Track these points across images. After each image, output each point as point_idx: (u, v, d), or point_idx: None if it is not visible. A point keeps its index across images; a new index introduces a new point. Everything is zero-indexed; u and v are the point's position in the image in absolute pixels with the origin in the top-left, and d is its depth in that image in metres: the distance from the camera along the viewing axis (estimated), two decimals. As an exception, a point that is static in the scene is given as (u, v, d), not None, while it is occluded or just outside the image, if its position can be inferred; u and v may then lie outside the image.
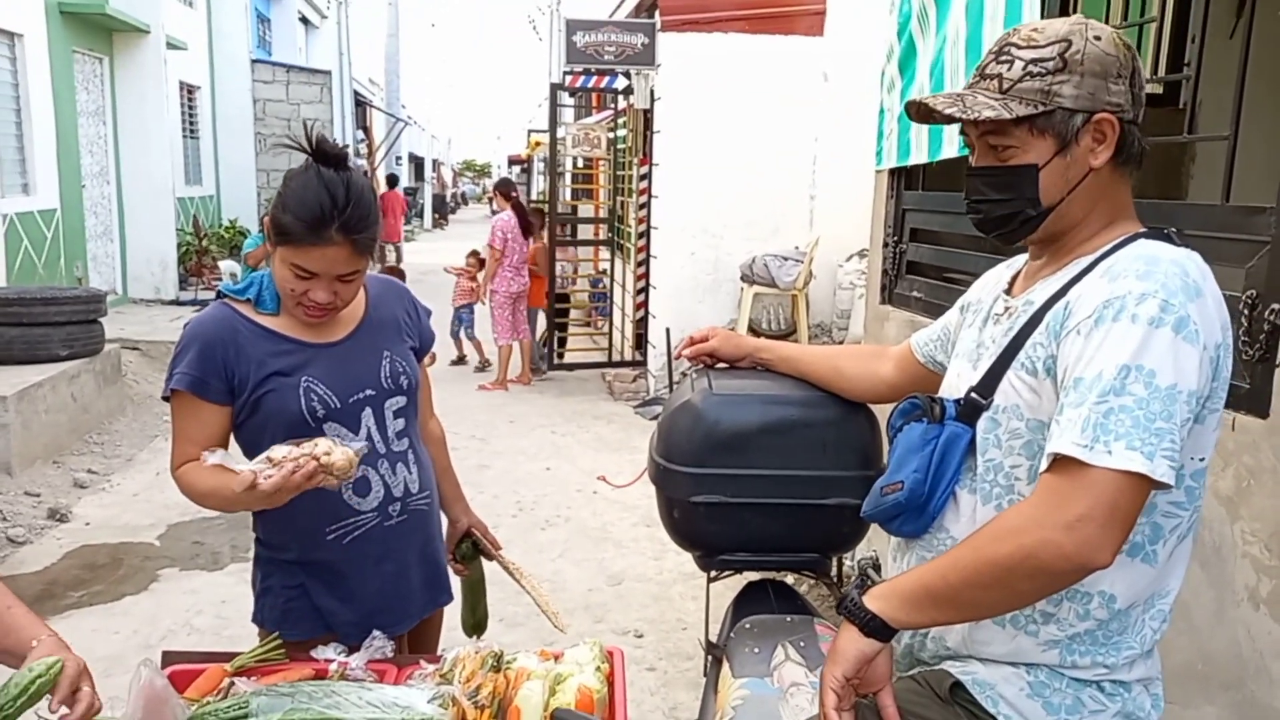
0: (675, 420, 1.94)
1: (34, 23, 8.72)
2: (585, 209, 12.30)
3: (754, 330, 7.47)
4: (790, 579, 2.17)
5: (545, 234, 8.95)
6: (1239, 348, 1.98)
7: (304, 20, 20.50)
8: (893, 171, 3.76)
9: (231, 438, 1.89)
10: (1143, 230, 1.35)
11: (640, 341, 8.85)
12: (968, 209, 1.44)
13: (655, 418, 7.10)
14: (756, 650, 1.71)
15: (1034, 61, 1.30)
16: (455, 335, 9.50)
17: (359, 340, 1.92)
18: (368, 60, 25.13)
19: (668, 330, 7.88)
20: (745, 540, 1.93)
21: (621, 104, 9.55)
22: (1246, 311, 2.01)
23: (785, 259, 7.40)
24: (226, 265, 10.85)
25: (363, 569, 1.92)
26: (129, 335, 8.11)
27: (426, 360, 2.15)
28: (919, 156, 3.37)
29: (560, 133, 9.11)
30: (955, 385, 1.47)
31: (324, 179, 1.75)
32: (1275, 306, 1.96)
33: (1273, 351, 1.96)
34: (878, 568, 3.48)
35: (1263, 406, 1.96)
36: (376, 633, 1.81)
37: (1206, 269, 1.26)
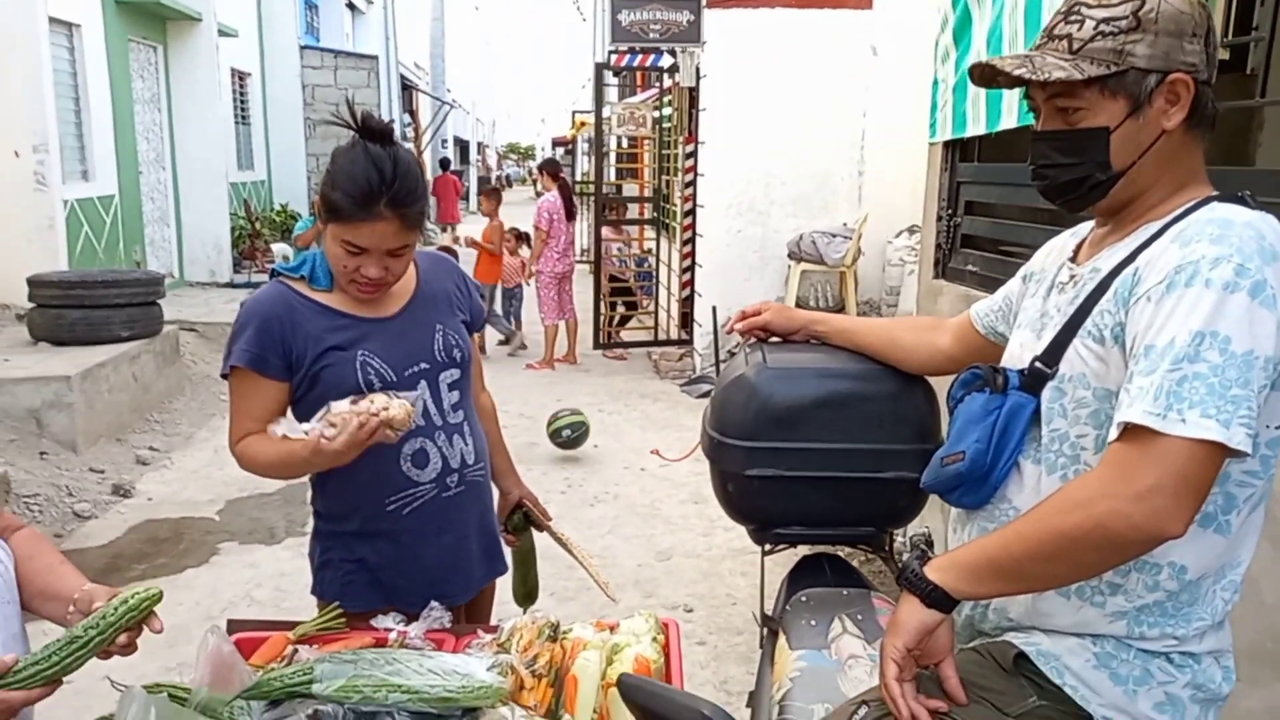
0: (729, 394, 1.93)
1: (91, 13, 8.89)
2: (630, 189, 12.28)
3: (802, 307, 7.41)
4: (845, 553, 2.15)
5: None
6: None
7: (351, 6, 20.65)
8: (947, 144, 3.69)
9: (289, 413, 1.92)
10: (1215, 194, 1.31)
11: (686, 320, 8.83)
12: (1033, 175, 1.41)
13: (702, 396, 7.11)
14: (813, 623, 1.70)
15: (1106, 20, 1.26)
16: (508, 315, 9.50)
17: (412, 314, 1.94)
18: (413, 44, 25.26)
19: (714, 309, 7.78)
20: (800, 514, 1.92)
21: (666, 82, 9.49)
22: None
23: (833, 236, 7.32)
24: (279, 248, 11.02)
25: (423, 540, 1.95)
26: (186, 317, 8.27)
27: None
28: (976, 128, 3.31)
29: (605, 112, 9.08)
30: (1018, 355, 1.45)
31: (371, 155, 1.76)
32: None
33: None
34: (930, 544, 3.45)
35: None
36: (435, 603, 1.84)
37: None
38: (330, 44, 17.92)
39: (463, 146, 34.85)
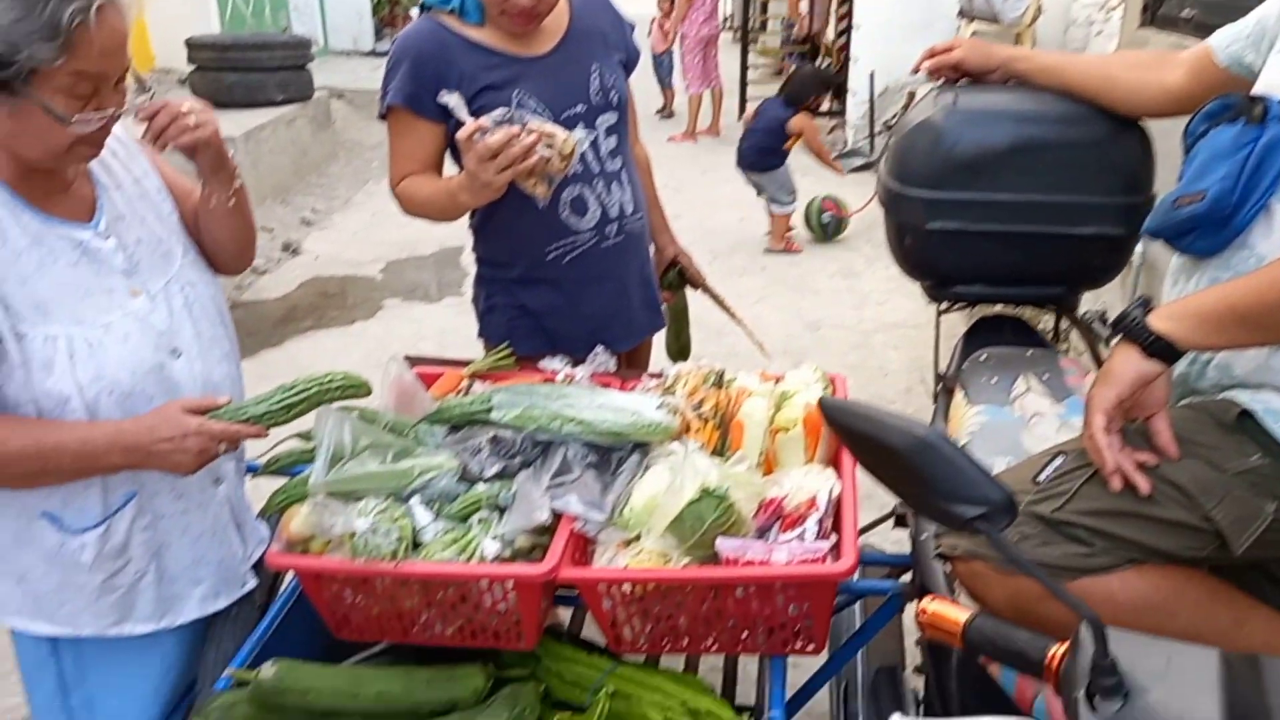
0: (912, 140, 1.78)
1: None
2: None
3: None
4: (1027, 316, 2.03)
5: None
6: None
7: None
8: None
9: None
10: None
11: (839, 90, 8.30)
12: None
13: (854, 170, 6.81)
14: (995, 380, 1.63)
15: None
16: (659, 83, 9.13)
17: (566, 52, 1.84)
18: None
19: (871, 75, 7.33)
20: (983, 271, 1.80)
21: None
22: None
23: (1012, -10, 6.58)
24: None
25: (583, 288, 1.94)
26: (333, 84, 8.34)
27: None
28: None
29: None
30: (1278, 82, 1.24)
31: None
32: None
33: None
34: (1104, 320, 3.26)
35: None
36: (600, 347, 1.85)
37: None
38: None
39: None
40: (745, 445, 1.60)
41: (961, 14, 6.92)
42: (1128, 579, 1.11)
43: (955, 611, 0.90)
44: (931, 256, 1.81)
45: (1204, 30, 2.94)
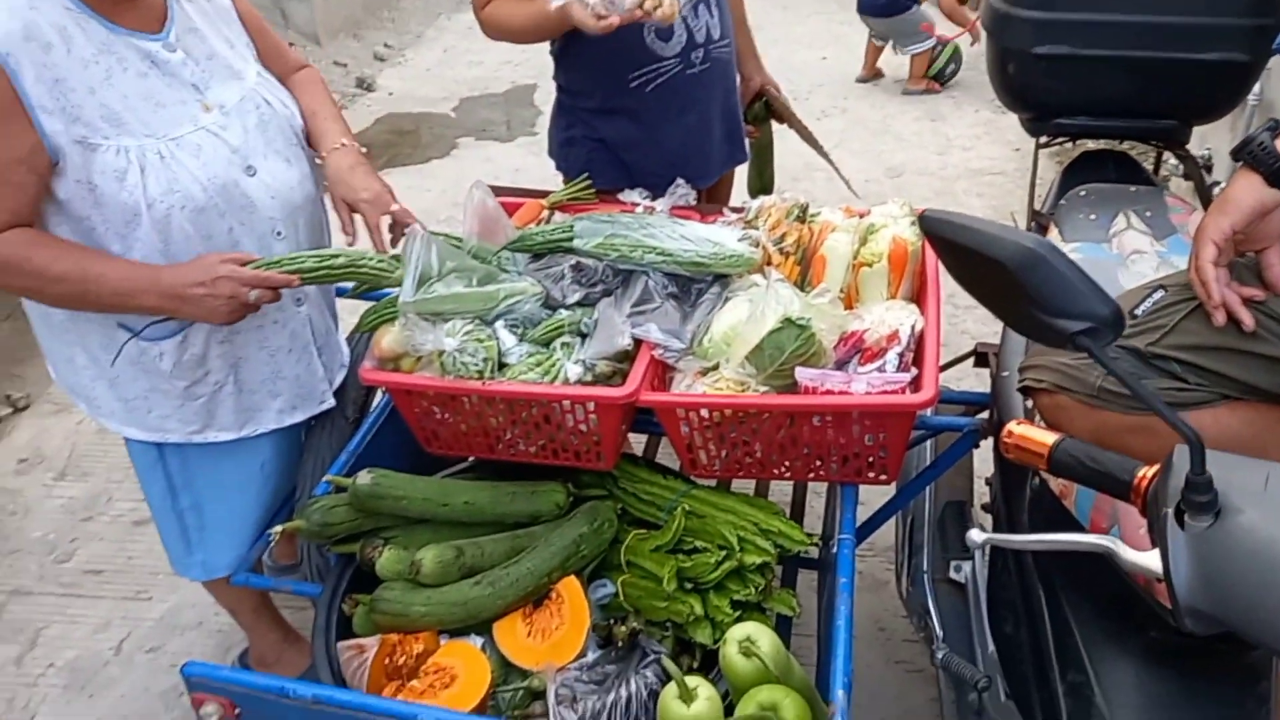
0: (1025, -45, 1.66)
1: None
2: None
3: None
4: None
5: None
6: None
7: None
8: None
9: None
10: None
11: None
12: None
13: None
14: (1093, 217, 1.56)
15: None
16: None
17: None
18: None
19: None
20: (1090, 101, 1.71)
21: None
22: None
23: None
24: None
25: (666, 119, 1.89)
26: (404, -90, 8.03)
27: None
28: None
29: None
30: None
31: None
32: None
33: None
34: (1209, 167, 3.08)
35: None
36: (680, 180, 1.82)
37: None
38: None
39: None
40: (827, 279, 1.58)
41: None
42: (1221, 415, 1.09)
43: (1042, 434, 0.89)
44: (1036, 85, 1.72)
45: None
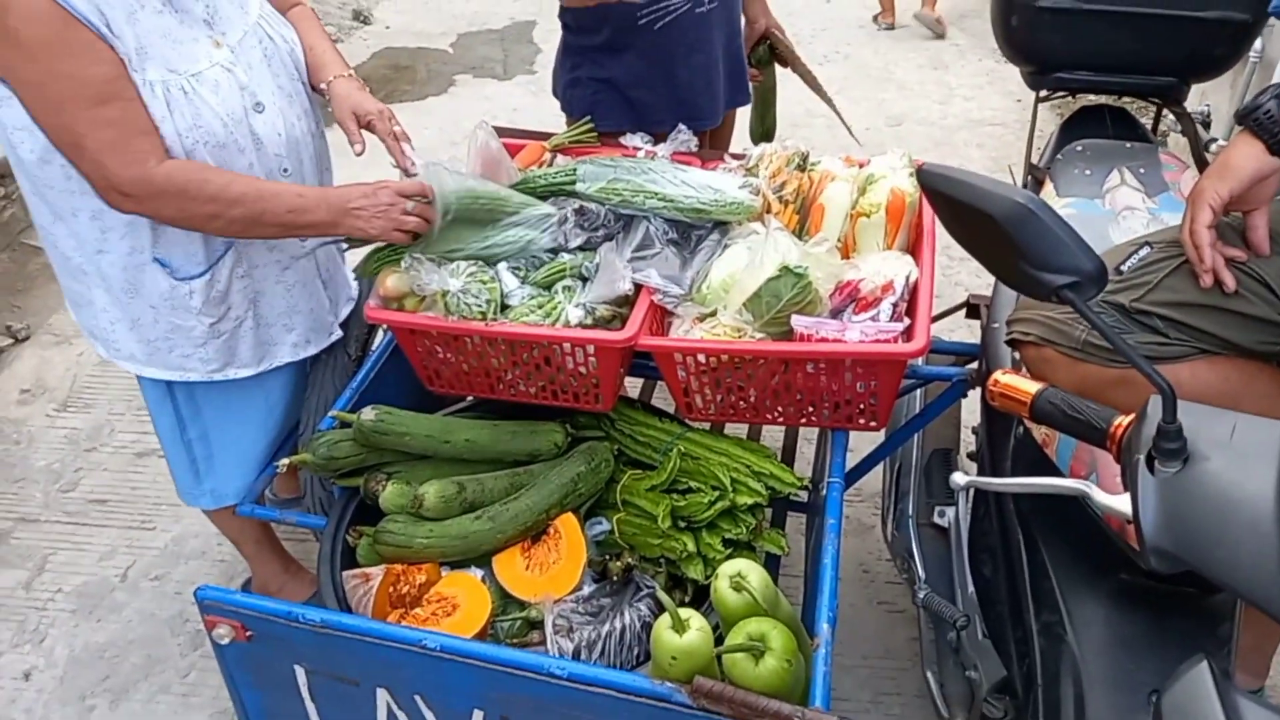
0: (1033, -95, 1.65)
1: None
2: None
3: None
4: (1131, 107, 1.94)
5: None
6: None
7: None
8: None
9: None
10: None
11: None
12: None
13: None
14: (1088, 172, 1.59)
15: None
16: None
17: None
18: None
19: None
20: (1090, 55, 1.72)
21: None
22: None
23: None
24: None
25: (674, 58, 1.89)
26: None
27: None
28: None
29: None
30: None
31: None
32: None
33: None
34: (1208, 124, 3.08)
35: None
36: (682, 126, 1.83)
37: None
38: None
39: None
40: (825, 228, 1.60)
41: None
42: (1198, 368, 1.13)
43: (1026, 383, 0.93)
44: (1038, 38, 1.73)
45: None
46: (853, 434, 1.50)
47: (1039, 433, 1.33)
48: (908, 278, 1.45)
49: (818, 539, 1.33)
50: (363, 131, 1.50)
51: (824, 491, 1.38)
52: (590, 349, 1.42)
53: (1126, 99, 1.88)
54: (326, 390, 1.64)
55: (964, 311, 1.92)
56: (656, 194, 1.55)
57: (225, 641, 1.18)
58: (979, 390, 1.52)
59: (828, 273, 1.43)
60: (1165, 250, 1.18)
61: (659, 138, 1.82)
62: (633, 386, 2.04)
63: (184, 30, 1.35)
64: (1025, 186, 1.79)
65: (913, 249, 1.58)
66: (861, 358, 1.36)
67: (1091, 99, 1.87)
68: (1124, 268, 1.17)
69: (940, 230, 1.22)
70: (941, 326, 2.23)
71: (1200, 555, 0.74)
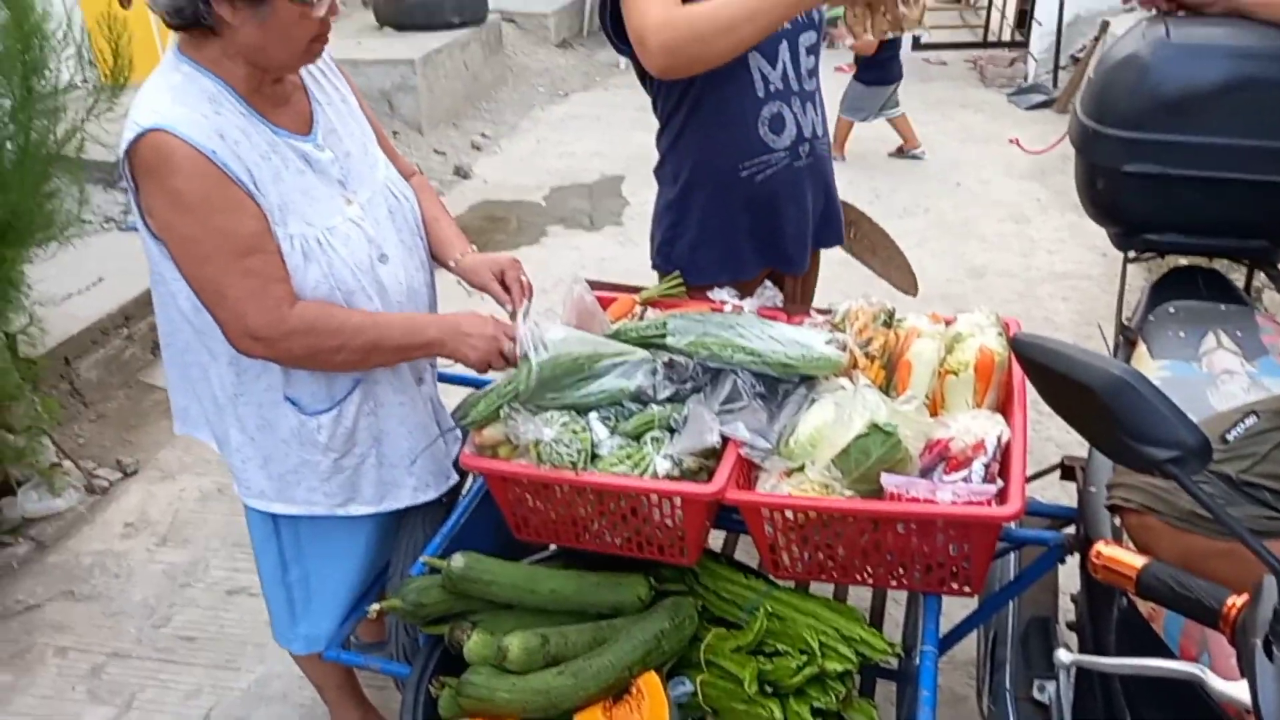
0: (1113, 76, 1.70)
1: None
2: None
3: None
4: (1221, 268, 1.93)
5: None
6: None
7: None
8: None
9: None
10: None
11: (1023, 19, 7.82)
12: None
13: (1032, 107, 6.43)
14: (1182, 335, 1.57)
15: None
16: None
17: None
18: None
19: (1061, 3, 6.86)
20: (1179, 219, 1.72)
21: None
22: None
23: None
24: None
25: (772, 210, 1.95)
26: (504, 7, 8.47)
27: None
28: None
29: None
30: None
31: None
32: None
33: None
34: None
35: None
36: (768, 283, 1.88)
37: None
38: None
39: None
40: (912, 385, 1.61)
41: (1168, -62, 6.35)
42: (1315, 545, 1.08)
43: (1131, 556, 0.90)
44: (1124, 201, 1.74)
45: None
46: (945, 598, 1.45)
47: (1145, 606, 1.27)
48: (999, 438, 1.44)
49: (910, 710, 1.28)
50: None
51: (917, 660, 1.33)
52: (677, 500, 1.43)
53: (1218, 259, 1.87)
54: (416, 534, 1.67)
55: (1059, 473, 1.88)
56: (744, 348, 1.58)
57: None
58: (1077, 555, 1.47)
59: (917, 431, 1.43)
60: (1272, 420, 1.15)
61: (747, 287, 1.87)
62: (716, 539, 2.02)
63: (322, 189, 1.47)
64: (1116, 347, 1.78)
65: (1003, 408, 1.57)
66: (954, 519, 1.33)
67: (1182, 259, 1.86)
68: (1230, 437, 1.15)
69: (1030, 387, 1.21)
70: (1035, 487, 2.17)
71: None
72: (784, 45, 1.82)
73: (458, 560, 1.43)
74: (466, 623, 1.45)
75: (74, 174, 2.56)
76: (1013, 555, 1.76)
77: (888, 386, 1.65)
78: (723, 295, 1.86)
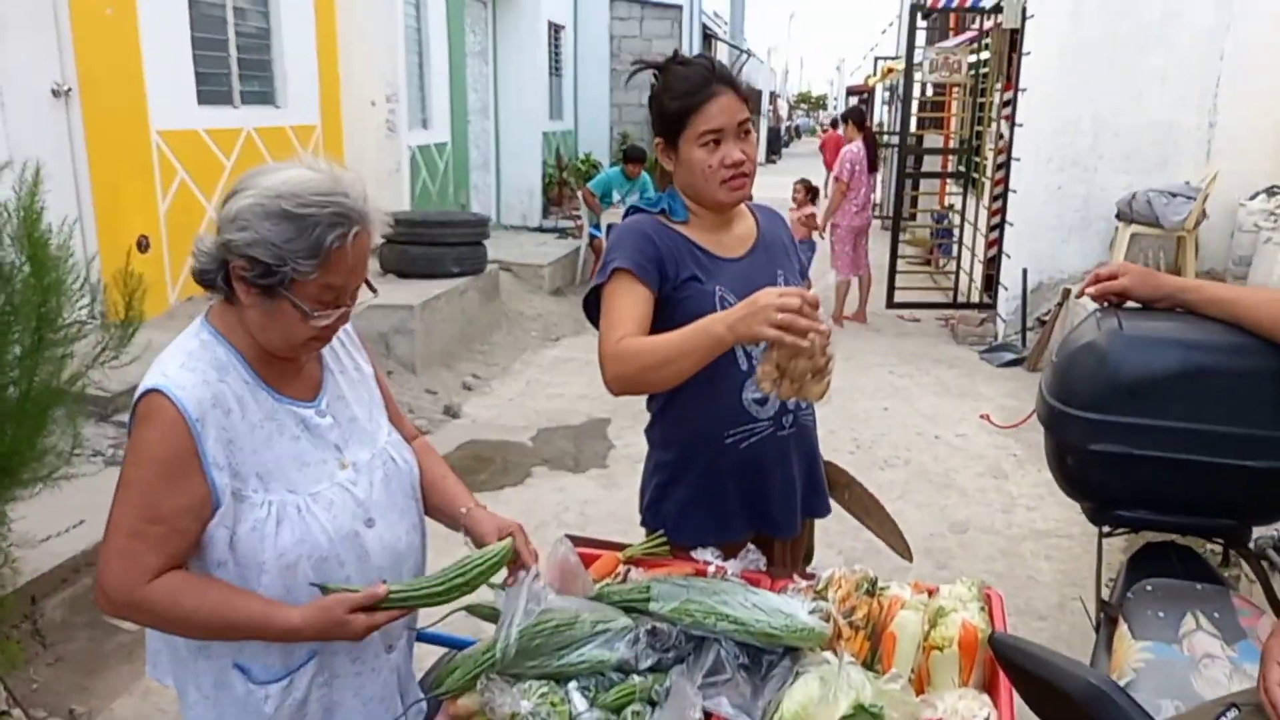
0: (1075, 361, 1.81)
1: (434, -28, 9.75)
2: (931, 140, 11.71)
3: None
4: (1201, 546, 1.97)
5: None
6: None
7: (658, -43, 21.06)
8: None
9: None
10: None
11: (990, 283, 8.34)
12: None
13: (1004, 365, 6.74)
14: (1161, 615, 1.58)
15: None
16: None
17: (757, 258, 2.01)
18: (715, -7, 25.37)
19: (1025, 272, 7.35)
20: (1148, 497, 1.78)
21: (985, 24, 8.88)
22: None
23: (1173, 195, 6.56)
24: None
25: (757, 476, 2.01)
26: (502, 258, 8.99)
27: None
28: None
29: (917, 58, 8.68)
30: None
31: (685, 60, 1.94)
32: None
33: None
34: (1278, 548, 3.06)
35: None
36: (751, 546, 1.90)
37: None
38: (638, -4, 18.42)
39: (756, 97, 34.69)
40: (897, 660, 1.60)
41: (1120, 217, 6.92)
42: None
43: None
44: (1094, 478, 1.80)
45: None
46: None
47: None
48: (987, 718, 1.41)
49: None
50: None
51: None
52: (657, 783, 1.37)
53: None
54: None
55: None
56: (728, 616, 1.58)
57: None
58: None
59: (904, 713, 1.40)
60: (1254, 714, 1.15)
61: (732, 549, 1.89)
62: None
63: (315, 453, 1.51)
64: (1098, 624, 1.78)
65: (989, 685, 1.55)
66: (944, 811, 1.29)
67: (1155, 535, 1.90)
68: (1214, 733, 1.14)
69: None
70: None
71: None
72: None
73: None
74: None
75: (72, 414, 2.62)
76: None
77: (872, 658, 1.63)
78: (706, 556, 1.87)
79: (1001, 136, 8.05)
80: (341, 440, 1.56)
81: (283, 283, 1.39)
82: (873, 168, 8.59)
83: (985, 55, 9.10)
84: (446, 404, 5.74)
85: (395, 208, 8.02)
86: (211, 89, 6.17)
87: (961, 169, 9.92)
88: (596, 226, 9.52)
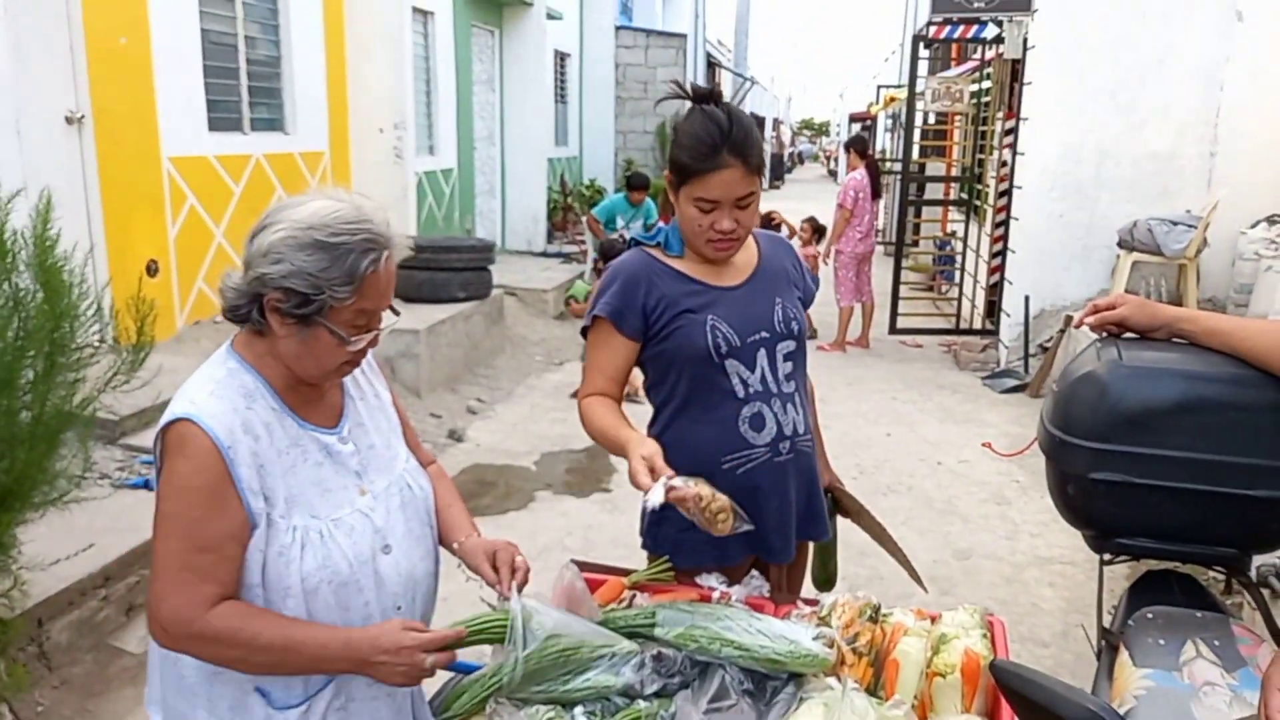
0: (1076, 391, 1.83)
1: (443, 1, 9.88)
2: (934, 168, 11.78)
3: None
4: (1203, 575, 1.98)
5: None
6: None
7: (663, -14, 21.31)
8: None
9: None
10: None
11: (992, 309, 8.37)
12: None
13: (1006, 391, 6.74)
14: (1162, 642, 1.59)
15: None
16: None
17: (755, 286, 2.04)
18: (718, 22, 25.67)
19: (1027, 299, 7.38)
20: (1149, 525, 1.79)
21: (987, 54, 8.97)
22: None
23: (1174, 224, 6.60)
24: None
25: (755, 500, 2.02)
26: (507, 283, 9.04)
27: None
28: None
29: (919, 86, 8.76)
30: None
31: (707, 114, 1.93)
32: None
33: None
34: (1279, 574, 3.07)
35: None
36: (755, 572, 1.92)
37: None
38: (642, 24, 18.62)
39: (759, 123, 34.92)
40: (900, 687, 1.61)
41: (1121, 245, 6.95)
42: None
43: None
44: (1095, 507, 1.81)
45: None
46: None
47: None
48: (990, 747, 1.43)
49: None
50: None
51: None
52: (662, 809, 1.39)
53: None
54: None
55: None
56: (732, 642, 1.60)
57: None
58: None
59: (907, 739, 1.42)
60: (1255, 744, 1.16)
61: (734, 573, 1.91)
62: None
63: (336, 479, 1.53)
64: (1099, 650, 1.79)
65: (991, 712, 1.56)
66: (947, 838, 1.30)
67: (1156, 563, 1.92)
68: (1213, 761, 1.15)
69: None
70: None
71: None
72: (762, 353, 1.99)
73: None
74: None
75: (83, 438, 2.64)
76: None
77: (875, 684, 1.65)
78: (711, 581, 1.89)
79: (1004, 164, 8.10)
80: (361, 467, 1.58)
81: (319, 311, 1.42)
82: (876, 195, 8.65)
83: (987, 85, 9.18)
84: (451, 428, 5.76)
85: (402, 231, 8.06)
86: (222, 116, 6.25)
87: (964, 196, 9.99)
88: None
